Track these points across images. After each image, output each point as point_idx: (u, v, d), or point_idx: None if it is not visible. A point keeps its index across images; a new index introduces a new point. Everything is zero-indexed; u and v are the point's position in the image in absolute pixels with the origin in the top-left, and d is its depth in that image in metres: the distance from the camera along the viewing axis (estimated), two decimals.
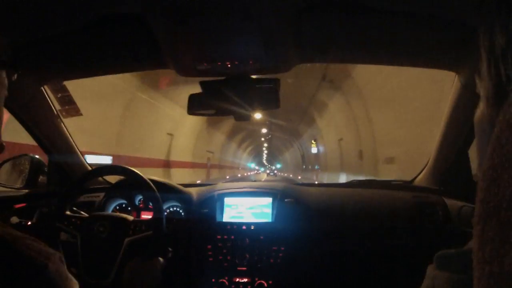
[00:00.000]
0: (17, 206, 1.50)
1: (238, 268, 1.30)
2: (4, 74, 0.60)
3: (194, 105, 1.20)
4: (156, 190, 1.25)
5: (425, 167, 1.46)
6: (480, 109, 0.35)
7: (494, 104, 0.31)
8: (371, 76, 7.23)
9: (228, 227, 1.37)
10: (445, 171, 1.38)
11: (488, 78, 0.31)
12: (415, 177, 1.53)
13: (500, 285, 0.22)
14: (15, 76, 0.62)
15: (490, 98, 0.32)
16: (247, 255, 1.30)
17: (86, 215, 1.30)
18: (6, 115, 1.24)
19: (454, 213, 1.31)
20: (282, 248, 1.31)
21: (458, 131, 1.26)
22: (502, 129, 0.24)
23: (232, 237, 1.34)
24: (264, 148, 44.58)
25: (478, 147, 0.38)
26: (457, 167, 1.35)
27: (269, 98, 1.17)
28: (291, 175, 28.99)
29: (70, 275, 0.57)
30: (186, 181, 1.85)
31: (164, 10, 0.85)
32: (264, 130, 23.46)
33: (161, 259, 1.18)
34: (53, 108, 1.44)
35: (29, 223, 1.43)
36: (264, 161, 63.47)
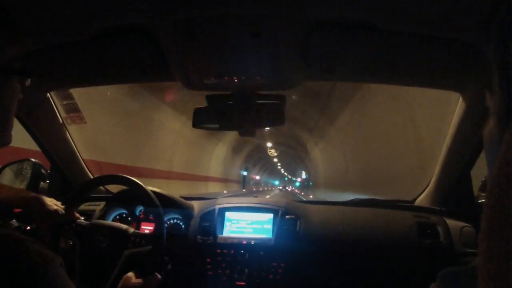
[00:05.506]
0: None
1: (237, 283, 1.29)
2: (16, 80, 0.61)
3: (199, 119, 1.21)
4: (158, 203, 1.23)
5: (426, 187, 1.46)
6: (490, 126, 0.35)
7: (505, 121, 0.32)
8: None
9: (228, 241, 1.36)
10: (447, 191, 1.38)
11: (500, 94, 0.31)
12: (417, 197, 1.53)
13: None
14: (29, 81, 0.64)
15: (501, 115, 0.32)
16: (246, 270, 1.30)
17: (87, 222, 1.30)
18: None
19: (455, 234, 1.30)
20: (282, 265, 1.30)
21: (461, 152, 1.26)
22: (508, 148, 0.25)
23: (232, 251, 1.33)
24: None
25: (488, 164, 0.38)
26: (459, 188, 1.36)
27: (274, 114, 1.17)
28: None
29: (69, 280, 0.56)
30: None
31: (173, 24, 0.86)
32: None
33: (158, 275, 1.16)
34: (58, 115, 1.45)
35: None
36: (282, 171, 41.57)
